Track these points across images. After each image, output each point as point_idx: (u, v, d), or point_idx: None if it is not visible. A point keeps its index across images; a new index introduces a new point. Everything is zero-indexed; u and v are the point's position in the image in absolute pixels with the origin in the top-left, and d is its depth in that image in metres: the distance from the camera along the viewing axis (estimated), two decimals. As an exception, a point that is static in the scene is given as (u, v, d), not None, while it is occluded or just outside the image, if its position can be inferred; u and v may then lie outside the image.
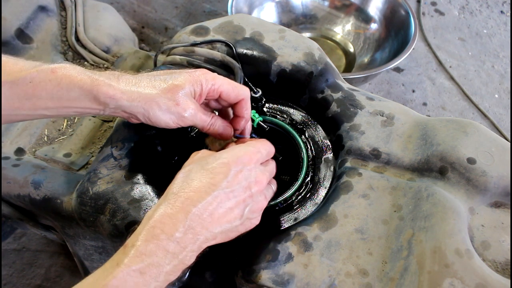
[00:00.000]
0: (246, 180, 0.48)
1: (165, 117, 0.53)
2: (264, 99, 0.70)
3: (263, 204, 0.51)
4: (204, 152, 0.52)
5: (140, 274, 0.40)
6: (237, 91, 0.56)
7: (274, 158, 0.58)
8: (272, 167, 0.55)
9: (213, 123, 0.57)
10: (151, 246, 0.41)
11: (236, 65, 0.67)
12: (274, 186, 0.56)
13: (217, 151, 0.53)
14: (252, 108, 0.69)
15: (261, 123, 0.68)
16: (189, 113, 0.53)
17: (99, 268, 0.42)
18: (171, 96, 0.52)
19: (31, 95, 0.49)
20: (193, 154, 0.53)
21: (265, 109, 0.73)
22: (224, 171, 0.47)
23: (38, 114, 0.52)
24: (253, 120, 0.66)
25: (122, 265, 0.40)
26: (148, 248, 0.41)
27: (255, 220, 0.51)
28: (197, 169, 0.48)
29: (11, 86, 0.49)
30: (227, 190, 0.46)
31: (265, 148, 0.53)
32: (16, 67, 0.50)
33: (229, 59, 0.69)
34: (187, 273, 0.57)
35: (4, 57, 0.50)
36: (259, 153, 0.51)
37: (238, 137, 0.61)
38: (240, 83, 0.64)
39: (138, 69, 0.84)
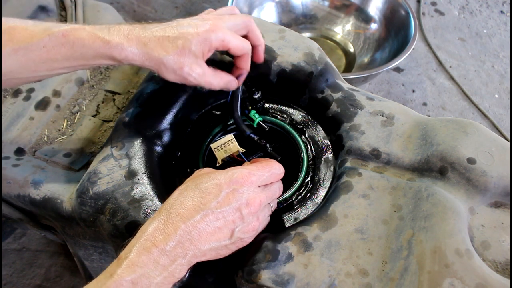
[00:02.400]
0: (237, 201, 0.48)
1: (172, 77, 0.56)
2: (264, 101, 0.70)
3: (255, 225, 0.51)
4: (205, 170, 0.54)
5: (132, 285, 0.42)
6: (242, 45, 0.59)
7: (272, 158, 0.59)
8: (274, 189, 0.55)
9: (224, 83, 0.60)
10: (143, 258, 0.43)
11: None
12: (273, 206, 0.56)
13: (222, 158, 0.57)
14: (252, 109, 0.69)
15: (261, 123, 0.68)
16: (193, 77, 0.56)
17: (93, 280, 0.43)
18: (177, 59, 0.54)
19: (46, 59, 0.52)
20: (196, 172, 0.54)
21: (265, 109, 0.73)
22: (215, 191, 0.48)
23: (56, 73, 0.56)
24: (253, 120, 0.66)
25: (115, 276, 0.42)
26: (140, 260, 0.43)
27: (248, 239, 0.52)
28: (192, 188, 0.49)
29: (25, 52, 0.51)
30: (216, 210, 0.47)
31: (269, 169, 0.53)
32: (26, 32, 0.51)
33: (229, 58, 0.69)
34: (187, 273, 0.57)
35: (11, 21, 0.52)
36: (256, 175, 0.51)
37: (250, 159, 0.61)
38: (239, 94, 0.65)
39: (138, 69, 0.84)
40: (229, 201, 0.48)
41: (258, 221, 0.51)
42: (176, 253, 0.45)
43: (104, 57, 0.54)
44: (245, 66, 0.63)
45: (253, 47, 0.63)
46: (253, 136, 0.65)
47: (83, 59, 0.53)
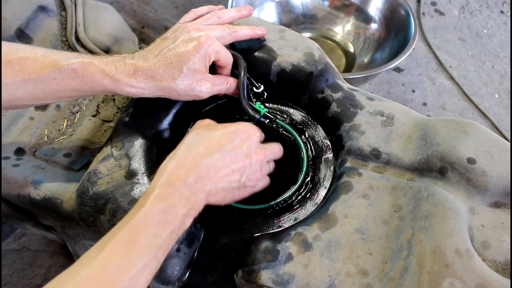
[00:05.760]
0: (248, 148, 0.54)
1: (185, 98, 0.60)
2: (266, 94, 0.70)
3: (258, 175, 0.56)
4: (209, 121, 0.58)
5: (163, 213, 0.45)
6: (228, 57, 0.62)
7: (286, 138, 0.64)
8: (275, 147, 0.60)
9: (228, 88, 0.64)
10: (169, 190, 0.47)
11: (239, 55, 0.67)
12: (271, 166, 0.60)
13: None
14: (257, 101, 0.69)
15: (267, 114, 0.67)
16: (205, 93, 0.60)
17: (127, 213, 0.47)
18: (186, 82, 0.57)
19: (55, 90, 0.55)
20: (198, 122, 0.58)
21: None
22: (231, 136, 0.53)
23: (61, 100, 0.60)
24: (258, 112, 0.65)
25: (146, 206, 0.45)
26: (166, 192, 0.47)
27: (250, 189, 0.57)
28: (207, 132, 0.54)
29: (35, 83, 0.53)
30: (231, 153, 0.52)
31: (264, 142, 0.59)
32: (36, 64, 0.53)
33: (231, 51, 0.69)
34: (187, 273, 0.57)
35: (21, 51, 0.54)
36: (259, 132, 0.57)
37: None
38: (244, 73, 0.65)
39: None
40: (242, 146, 0.53)
41: (261, 173, 0.56)
42: (197, 187, 0.49)
43: (112, 92, 0.56)
44: (224, 74, 0.65)
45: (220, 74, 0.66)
46: (263, 120, 0.64)
47: (91, 92, 0.56)
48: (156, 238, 0.44)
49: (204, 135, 0.53)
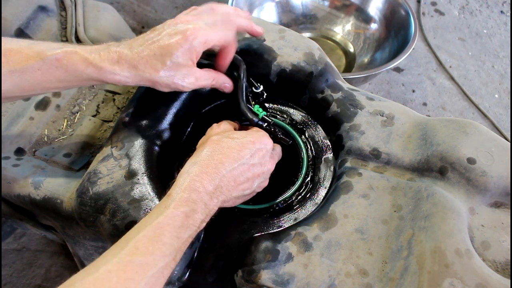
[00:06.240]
0: (263, 158, 0.56)
1: (167, 90, 0.59)
2: (266, 94, 0.70)
3: (266, 183, 0.59)
4: (226, 125, 0.61)
5: (186, 217, 0.47)
6: (223, 38, 0.60)
7: (284, 142, 0.65)
8: (279, 150, 0.63)
9: (214, 84, 0.63)
10: (193, 196, 0.48)
11: (238, 57, 0.67)
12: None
13: None
14: (255, 103, 0.69)
15: (266, 117, 0.67)
16: (187, 87, 0.59)
17: (150, 212, 0.48)
18: (168, 74, 0.56)
19: (41, 80, 0.54)
20: (214, 126, 0.61)
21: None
22: (250, 147, 0.55)
23: (49, 92, 0.59)
24: (257, 115, 0.65)
25: (170, 208, 0.46)
26: (191, 197, 0.48)
27: (253, 194, 0.59)
28: (227, 140, 0.55)
29: (21, 74, 0.53)
30: (249, 162, 0.54)
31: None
32: (21, 55, 0.53)
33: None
34: (187, 273, 0.57)
35: (7, 43, 0.54)
36: (272, 142, 0.59)
37: (244, 125, 0.66)
38: (243, 76, 0.65)
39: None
40: (258, 156, 0.55)
41: (267, 181, 0.59)
42: (215, 195, 0.51)
43: (97, 80, 0.56)
44: (229, 56, 0.63)
45: (223, 59, 0.64)
46: (261, 123, 0.64)
47: (77, 81, 0.56)
48: (178, 240, 0.45)
49: (224, 143, 0.54)
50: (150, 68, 0.55)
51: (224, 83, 0.64)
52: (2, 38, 0.55)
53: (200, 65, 0.62)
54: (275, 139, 0.65)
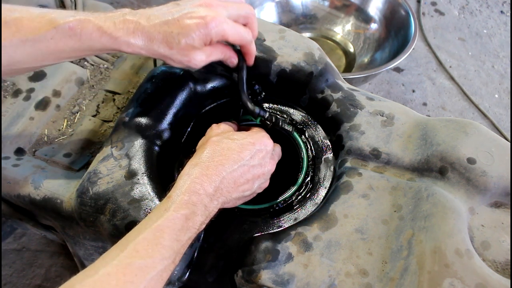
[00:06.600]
0: (263, 159, 0.56)
1: (178, 66, 0.59)
2: (263, 93, 0.70)
3: (266, 184, 0.59)
4: (225, 126, 0.61)
5: (186, 220, 0.47)
6: (240, 36, 0.58)
7: (285, 132, 0.66)
8: (278, 150, 0.63)
9: (223, 58, 0.61)
10: (193, 198, 0.48)
11: (237, 48, 0.66)
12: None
13: None
14: (253, 103, 0.69)
15: (264, 119, 0.67)
16: (198, 64, 0.57)
17: (149, 214, 0.48)
18: (182, 53, 0.55)
19: (54, 50, 0.53)
20: (214, 126, 0.60)
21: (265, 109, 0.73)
22: (250, 148, 0.55)
23: (62, 61, 0.58)
24: (258, 106, 0.65)
25: (170, 210, 0.46)
26: (191, 199, 0.48)
27: (253, 195, 0.59)
28: (227, 141, 0.55)
29: (33, 43, 0.52)
30: (248, 164, 0.54)
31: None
32: (32, 24, 0.51)
33: (234, 48, 0.69)
34: (187, 273, 0.57)
35: (16, 12, 0.52)
36: (272, 143, 0.59)
37: (244, 125, 0.67)
38: (244, 76, 0.64)
39: (138, 69, 0.84)
40: (259, 158, 0.55)
41: (267, 181, 0.59)
42: (215, 197, 0.51)
43: (111, 50, 0.55)
44: (245, 55, 0.63)
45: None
46: (263, 114, 0.64)
47: (90, 50, 0.55)
48: (177, 243, 0.45)
49: (224, 144, 0.54)
50: (165, 44, 0.54)
51: (231, 57, 0.62)
52: (12, 6, 0.53)
53: None
54: (275, 133, 0.65)
